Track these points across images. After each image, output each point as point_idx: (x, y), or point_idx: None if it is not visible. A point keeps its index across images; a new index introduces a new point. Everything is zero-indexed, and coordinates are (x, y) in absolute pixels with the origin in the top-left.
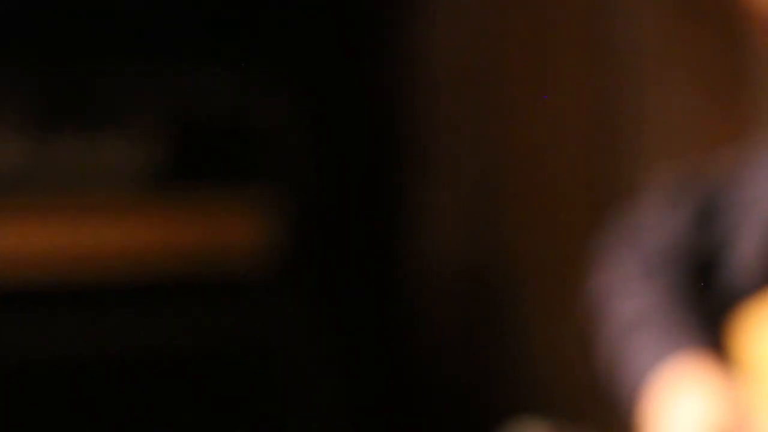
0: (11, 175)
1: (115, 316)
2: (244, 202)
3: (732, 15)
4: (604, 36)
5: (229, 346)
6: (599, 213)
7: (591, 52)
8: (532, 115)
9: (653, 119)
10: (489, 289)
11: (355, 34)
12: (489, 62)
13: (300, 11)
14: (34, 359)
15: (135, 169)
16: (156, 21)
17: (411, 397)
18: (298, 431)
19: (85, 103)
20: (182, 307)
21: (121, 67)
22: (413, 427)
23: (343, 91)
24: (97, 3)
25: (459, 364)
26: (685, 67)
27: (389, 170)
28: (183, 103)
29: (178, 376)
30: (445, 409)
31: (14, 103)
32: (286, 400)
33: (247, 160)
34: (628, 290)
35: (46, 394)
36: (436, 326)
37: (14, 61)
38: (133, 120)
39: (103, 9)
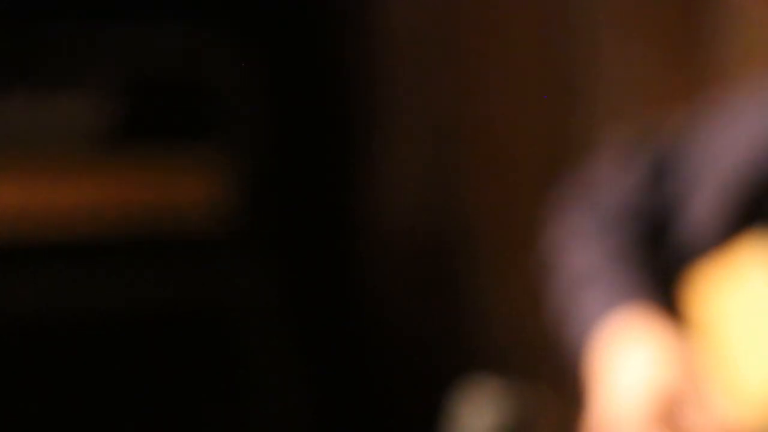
0: None
1: (68, 274)
2: (198, 161)
3: None
4: None
5: (183, 304)
6: (554, 171)
7: (545, 10)
8: (487, 74)
9: (608, 76)
10: (443, 248)
11: None
12: (444, 19)
13: None
14: None
15: (88, 129)
16: None
17: (365, 355)
18: (252, 388)
19: (37, 63)
20: (135, 266)
21: (73, 27)
22: (367, 385)
23: (297, 50)
24: None
25: (413, 322)
26: (640, 24)
27: (344, 129)
28: (136, 62)
29: (131, 334)
30: (400, 367)
31: None
32: (240, 357)
33: (201, 118)
34: (580, 246)
35: None
36: (390, 284)
37: None
38: (86, 79)
39: None
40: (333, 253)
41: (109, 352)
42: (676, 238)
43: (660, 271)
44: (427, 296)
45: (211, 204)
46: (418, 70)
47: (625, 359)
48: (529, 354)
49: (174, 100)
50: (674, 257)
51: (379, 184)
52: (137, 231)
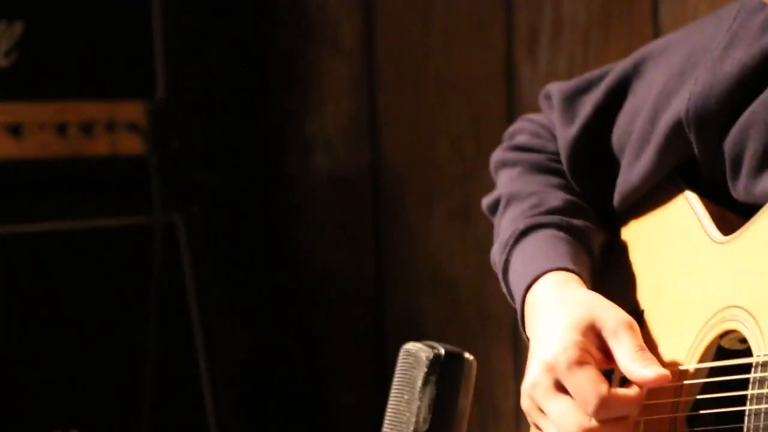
0: None
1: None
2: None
3: None
4: None
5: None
6: (481, 121)
7: None
8: (410, 30)
9: (547, 23)
10: (369, 199)
11: None
12: None
13: None
14: None
15: None
16: None
17: (293, 306)
18: (174, 310)
19: None
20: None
21: None
22: (297, 335)
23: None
24: None
25: (340, 272)
26: None
27: (269, 84)
28: None
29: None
30: (328, 318)
31: None
32: (163, 279)
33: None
34: (519, 197)
35: None
36: (317, 236)
37: None
38: None
39: None
40: (261, 206)
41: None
42: (617, 185)
43: (597, 218)
44: (354, 246)
45: (140, 136)
46: (339, 27)
47: (554, 314)
48: (452, 300)
49: (88, 50)
50: (614, 203)
51: (305, 138)
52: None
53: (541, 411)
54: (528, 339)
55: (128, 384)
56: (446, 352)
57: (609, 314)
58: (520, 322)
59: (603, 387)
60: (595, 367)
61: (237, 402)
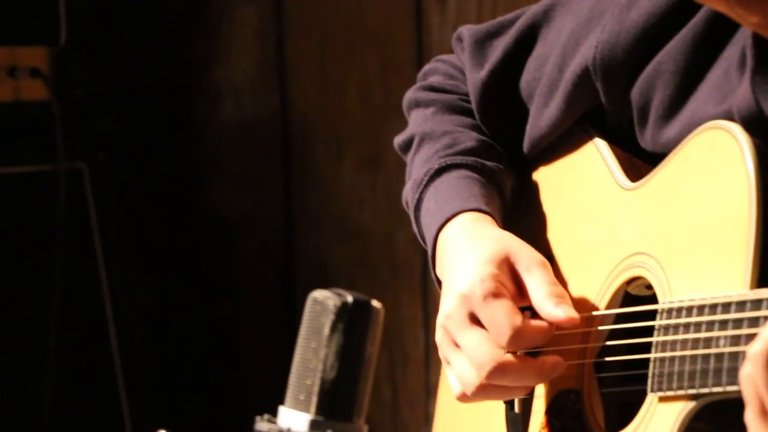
0: None
1: None
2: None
3: None
4: None
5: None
6: (389, 67)
7: None
8: None
9: None
10: (278, 145)
11: None
12: None
13: None
14: None
15: None
16: None
17: (205, 258)
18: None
19: None
20: None
21: None
22: (207, 280)
23: None
24: None
25: (248, 217)
26: None
27: (176, 35)
28: None
29: None
30: (234, 263)
31: None
32: (69, 227)
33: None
34: (432, 136)
35: None
36: (224, 184)
37: None
38: None
39: None
40: (168, 154)
41: None
42: (526, 131)
43: (506, 161)
44: (263, 194)
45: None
46: None
47: (465, 254)
48: (361, 248)
49: None
50: (524, 148)
51: (213, 85)
52: None
53: (455, 344)
54: (438, 280)
55: (33, 331)
56: (354, 299)
57: (523, 250)
58: (430, 262)
59: (518, 318)
60: (510, 300)
61: (144, 349)
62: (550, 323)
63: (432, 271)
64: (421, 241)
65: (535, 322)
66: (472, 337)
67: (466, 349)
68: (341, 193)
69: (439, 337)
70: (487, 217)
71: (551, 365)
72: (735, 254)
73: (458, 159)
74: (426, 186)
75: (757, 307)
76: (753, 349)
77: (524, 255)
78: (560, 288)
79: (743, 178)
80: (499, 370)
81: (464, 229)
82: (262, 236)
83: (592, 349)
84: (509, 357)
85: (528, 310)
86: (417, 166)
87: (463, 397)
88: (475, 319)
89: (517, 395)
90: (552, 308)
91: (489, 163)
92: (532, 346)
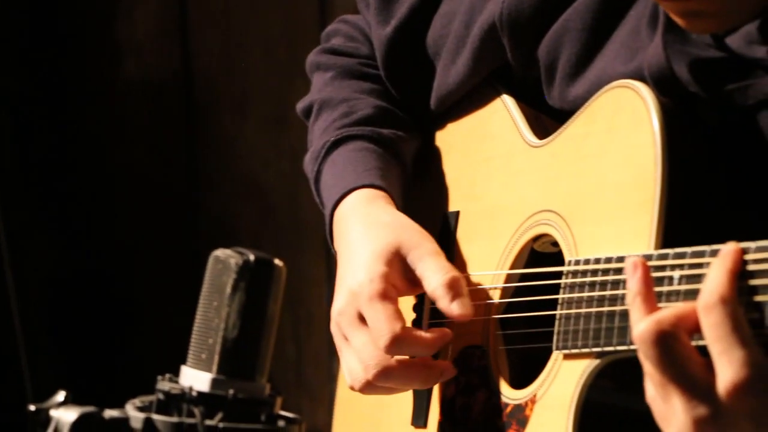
0: None
1: None
2: None
3: None
4: None
5: None
6: (290, 30)
7: None
8: None
9: None
10: (182, 102)
11: None
12: None
13: None
14: None
15: None
16: None
17: (108, 216)
18: None
19: None
20: None
21: None
22: (110, 238)
23: None
24: None
25: (154, 183)
26: None
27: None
28: None
29: None
30: (144, 227)
31: None
32: None
33: None
34: (330, 103)
35: None
36: (125, 136)
37: None
38: None
39: None
40: (69, 112)
41: None
42: (426, 82)
43: (409, 124)
44: (166, 153)
45: None
46: None
47: (360, 237)
48: (265, 207)
49: None
50: (430, 105)
51: (114, 42)
52: None
53: (346, 339)
54: (336, 253)
55: None
56: (255, 258)
57: (414, 241)
58: (328, 236)
59: (397, 325)
60: (397, 303)
61: (46, 309)
62: (433, 337)
63: (330, 245)
64: (322, 210)
65: (416, 333)
66: (359, 337)
67: (354, 347)
68: (246, 152)
69: (333, 329)
70: (382, 194)
71: (438, 372)
72: (640, 213)
73: (354, 130)
74: (323, 159)
75: (661, 266)
76: (637, 330)
77: (416, 246)
78: (455, 274)
79: (649, 137)
80: (383, 374)
81: (358, 210)
82: (166, 196)
83: (497, 305)
84: (393, 362)
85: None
86: (316, 135)
87: (355, 390)
88: (363, 318)
89: (404, 391)
90: (447, 303)
91: (386, 132)
92: (411, 353)
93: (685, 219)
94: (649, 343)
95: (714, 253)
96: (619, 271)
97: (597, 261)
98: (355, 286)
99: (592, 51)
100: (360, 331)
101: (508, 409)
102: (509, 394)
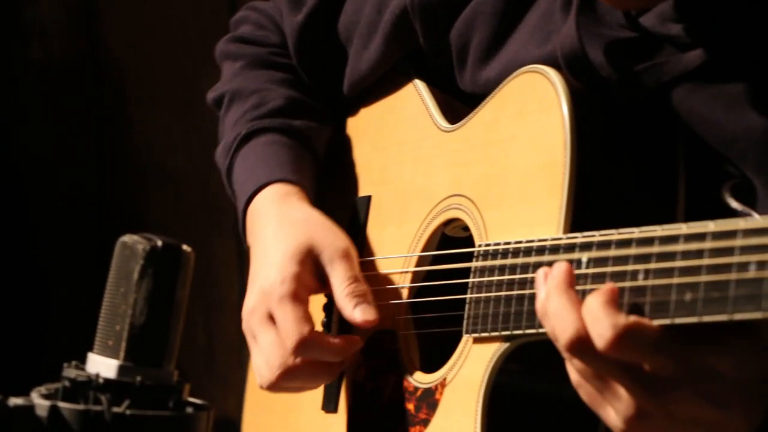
0: None
1: None
2: None
3: None
4: None
5: None
6: (210, 9)
7: None
8: None
9: None
10: (90, 88)
11: None
12: None
13: None
14: None
15: None
16: None
17: (15, 203)
18: None
19: None
20: None
21: None
22: (16, 226)
23: None
24: None
25: (62, 169)
26: None
27: None
28: None
29: None
30: (52, 214)
31: None
32: None
33: None
34: (241, 94)
35: None
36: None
37: None
38: None
39: None
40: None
41: None
42: (339, 68)
43: (321, 113)
44: (73, 139)
45: None
46: None
47: (273, 233)
48: (176, 193)
49: None
50: (334, 90)
51: (20, 26)
52: None
53: (255, 338)
54: (248, 248)
55: None
56: (163, 244)
57: (327, 241)
58: (241, 231)
59: (305, 328)
60: (307, 305)
61: None
62: (341, 343)
63: (243, 240)
64: (235, 203)
65: (324, 337)
66: (267, 337)
67: (261, 347)
68: (155, 137)
69: (244, 327)
70: (295, 190)
71: (337, 370)
72: (549, 198)
73: (266, 122)
74: (235, 152)
75: (570, 250)
76: (562, 341)
77: (327, 246)
78: (360, 284)
79: (558, 121)
80: (287, 374)
81: (271, 207)
82: (75, 181)
83: (408, 290)
84: (299, 362)
85: None
86: (227, 127)
87: (262, 388)
88: (273, 318)
89: (312, 389)
90: (350, 311)
91: (297, 123)
92: (318, 357)
93: (593, 202)
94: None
95: (622, 244)
96: (528, 254)
97: (507, 245)
98: (266, 286)
99: (503, 35)
100: (268, 330)
101: (418, 393)
102: (419, 378)
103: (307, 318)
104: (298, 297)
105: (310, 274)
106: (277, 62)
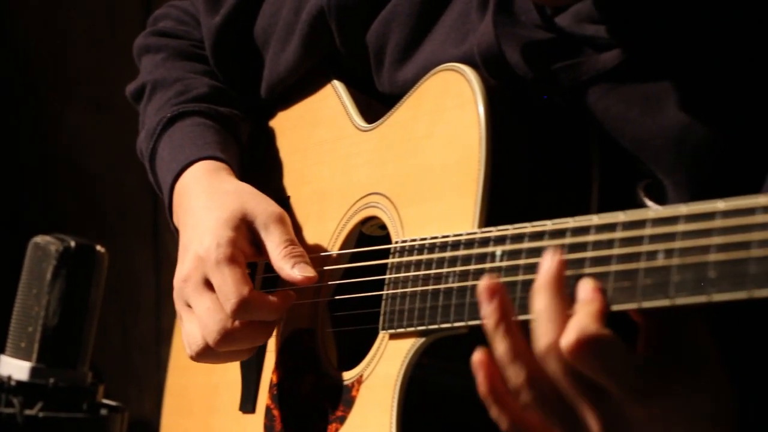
0: None
1: None
2: None
3: None
4: None
5: None
6: (123, 8)
7: None
8: None
9: None
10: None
11: None
12: None
13: None
14: None
15: None
16: None
17: None
18: None
19: None
20: None
21: None
22: None
23: None
24: None
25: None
26: None
27: None
28: None
29: None
30: None
31: None
32: None
33: None
34: (164, 83)
35: None
36: None
37: None
38: None
39: None
40: None
41: None
42: (256, 70)
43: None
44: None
45: None
46: None
47: (203, 207)
48: (91, 194)
49: None
50: (251, 92)
51: None
52: None
53: (188, 305)
54: (176, 230)
55: None
56: (76, 244)
57: (260, 207)
58: (168, 212)
59: (245, 288)
60: (244, 267)
61: None
62: (279, 300)
63: (170, 221)
64: (158, 191)
65: (264, 296)
66: (203, 302)
67: (198, 313)
68: (69, 138)
69: (176, 296)
70: (224, 166)
71: (272, 330)
72: (465, 194)
73: (191, 106)
74: (160, 135)
75: (484, 244)
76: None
77: (261, 212)
78: (297, 247)
79: (474, 118)
80: (226, 338)
81: (200, 181)
82: None
83: (326, 288)
84: (236, 325)
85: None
86: (150, 115)
87: (195, 357)
88: (209, 284)
89: (245, 357)
90: (289, 269)
91: (223, 109)
92: (258, 317)
93: (508, 198)
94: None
95: (535, 236)
96: (444, 249)
97: (423, 240)
98: (201, 252)
99: (420, 35)
100: (204, 296)
101: (335, 390)
102: (336, 376)
103: (246, 279)
104: (236, 260)
105: (245, 240)
106: (199, 54)
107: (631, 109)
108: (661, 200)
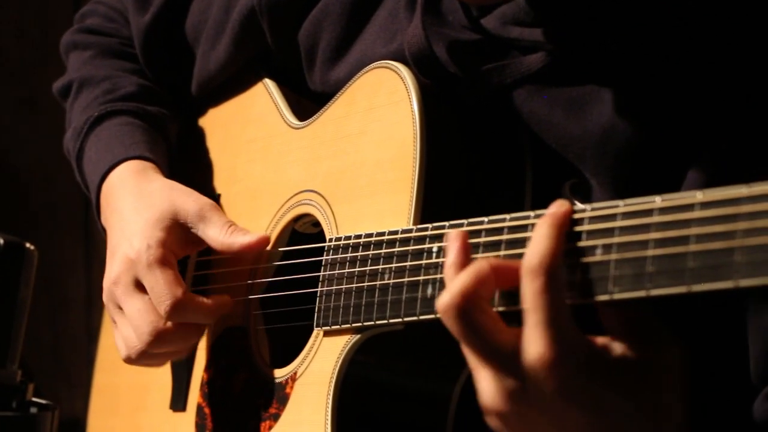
0: None
1: None
2: None
3: None
4: None
5: None
6: (54, 3)
7: None
8: None
9: None
10: None
11: None
12: None
13: None
14: None
15: None
16: None
17: None
18: None
19: None
20: None
21: None
22: None
23: None
24: None
25: None
26: None
27: None
28: None
29: None
30: None
31: None
32: None
33: None
34: (91, 81)
35: None
36: None
37: None
38: None
39: None
40: None
41: None
42: (185, 69)
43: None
44: None
45: None
46: None
47: (132, 205)
48: (19, 190)
49: None
50: (181, 91)
51: None
52: None
53: (120, 308)
54: (104, 230)
55: None
56: (5, 242)
57: (190, 201)
58: (95, 212)
59: (178, 290)
60: (176, 269)
61: None
62: (214, 303)
63: (97, 221)
64: (85, 190)
65: (198, 298)
66: (134, 304)
67: (129, 316)
68: None
69: (106, 298)
70: (151, 165)
71: (203, 331)
72: (399, 191)
73: (119, 105)
74: (87, 134)
75: (421, 241)
76: (441, 302)
77: (192, 206)
78: (237, 225)
79: (408, 115)
80: (158, 339)
81: (128, 181)
82: None
83: (258, 285)
84: (168, 326)
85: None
86: (77, 113)
87: (128, 360)
88: (140, 285)
89: (179, 357)
90: (240, 238)
91: (151, 108)
92: (192, 320)
93: (443, 194)
94: (449, 316)
95: (472, 233)
96: (379, 246)
97: (357, 238)
98: (132, 254)
99: (351, 35)
100: (136, 297)
101: (269, 388)
102: (270, 373)
103: (179, 281)
104: (167, 261)
105: (176, 239)
106: (128, 52)
107: (555, 111)
108: (587, 199)
